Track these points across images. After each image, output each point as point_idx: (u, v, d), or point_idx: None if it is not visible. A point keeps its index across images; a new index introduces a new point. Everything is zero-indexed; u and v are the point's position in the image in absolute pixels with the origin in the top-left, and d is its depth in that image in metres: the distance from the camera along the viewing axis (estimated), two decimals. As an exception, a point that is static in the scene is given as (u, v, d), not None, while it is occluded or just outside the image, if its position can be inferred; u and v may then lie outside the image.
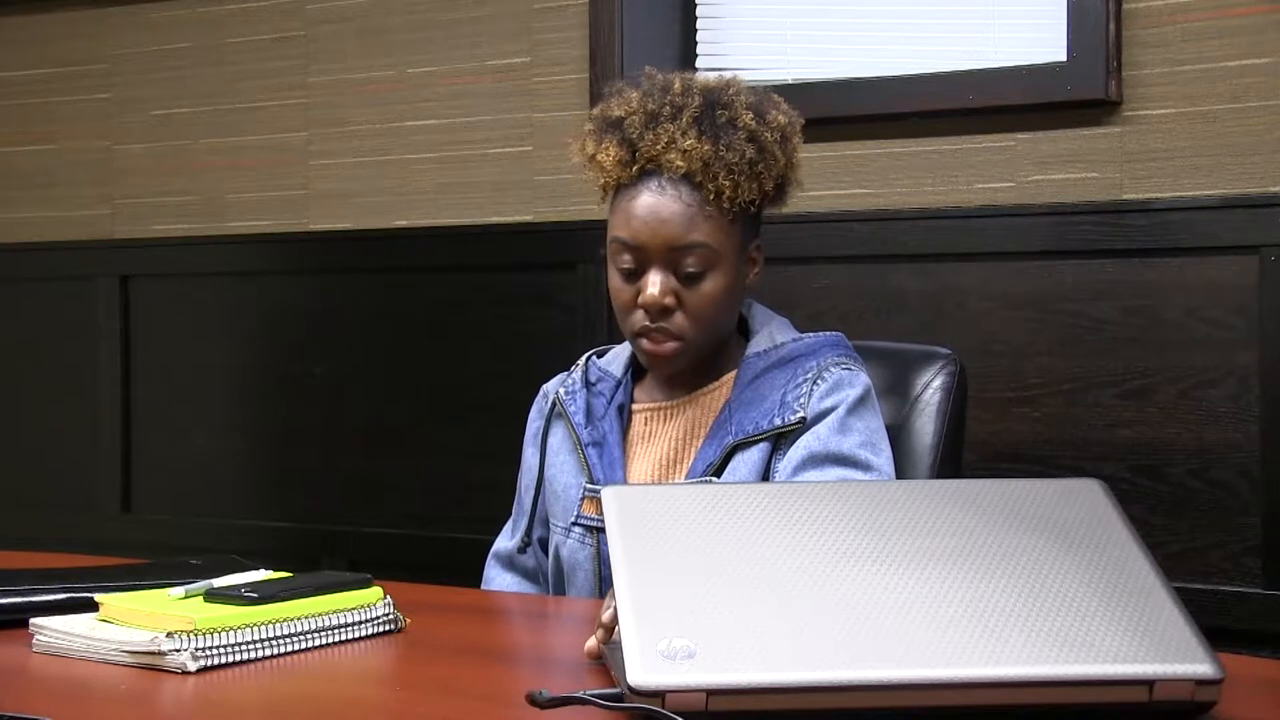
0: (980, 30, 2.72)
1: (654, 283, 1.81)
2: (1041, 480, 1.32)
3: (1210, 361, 2.45)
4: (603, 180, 1.88)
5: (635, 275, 1.84)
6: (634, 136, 1.84)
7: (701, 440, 1.87)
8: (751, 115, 1.86)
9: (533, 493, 1.97)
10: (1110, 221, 2.52)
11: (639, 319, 1.84)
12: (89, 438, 3.50)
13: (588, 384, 1.96)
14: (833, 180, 2.76)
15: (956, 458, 2.02)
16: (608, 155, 1.85)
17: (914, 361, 2.04)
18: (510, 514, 2.08)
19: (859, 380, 1.86)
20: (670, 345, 1.83)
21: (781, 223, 2.75)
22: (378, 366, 3.20)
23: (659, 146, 1.82)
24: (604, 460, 1.89)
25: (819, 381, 1.83)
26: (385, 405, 3.18)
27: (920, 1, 2.78)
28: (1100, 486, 1.30)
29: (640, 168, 1.83)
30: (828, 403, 1.82)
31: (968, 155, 2.65)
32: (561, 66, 3.00)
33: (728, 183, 1.81)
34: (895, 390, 1.98)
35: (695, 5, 2.98)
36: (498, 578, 2.04)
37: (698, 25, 2.98)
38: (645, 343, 1.85)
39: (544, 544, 2.00)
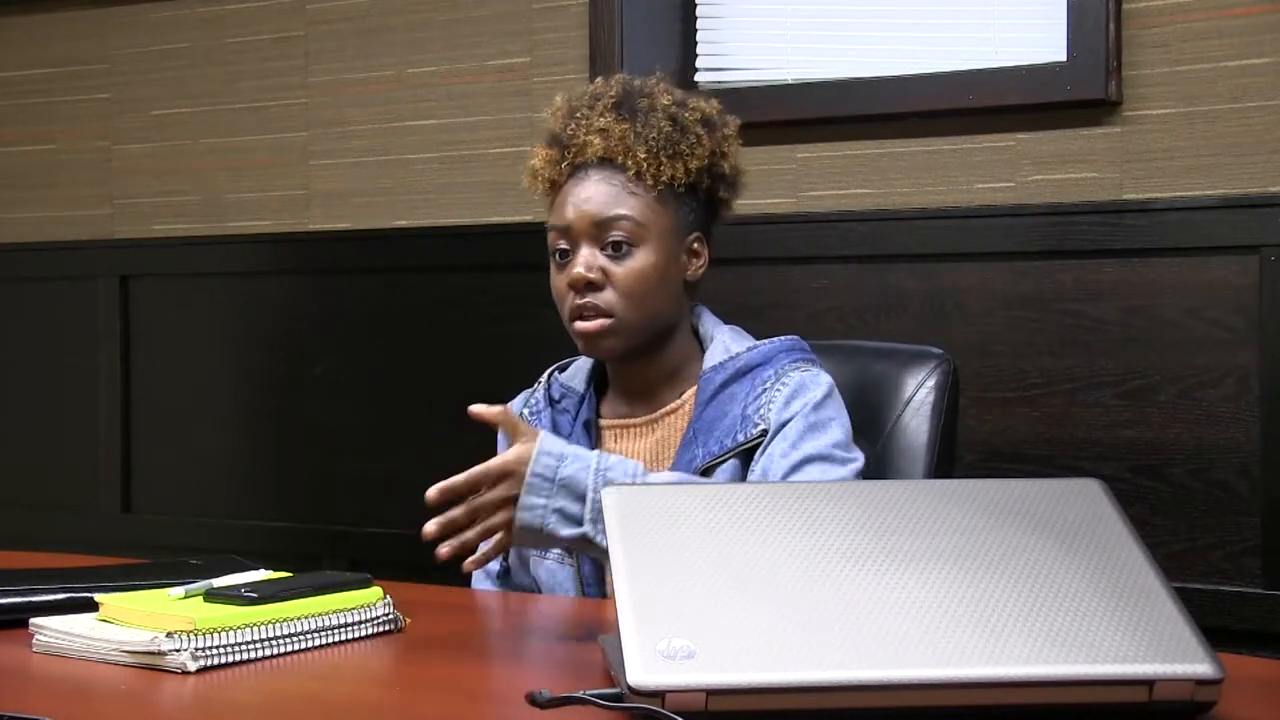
0: (980, 30, 2.72)
1: (581, 260, 1.84)
2: (1041, 480, 1.32)
3: (1210, 361, 2.45)
4: (541, 186, 1.93)
5: (567, 263, 1.86)
6: (558, 130, 1.90)
7: (670, 463, 1.86)
8: (671, 100, 1.89)
9: None
10: (1110, 221, 2.52)
11: (570, 301, 1.85)
12: (89, 438, 3.50)
13: (551, 402, 1.95)
14: (833, 180, 2.76)
15: (950, 457, 2.02)
16: (539, 158, 1.92)
17: (907, 362, 2.04)
18: None
19: (821, 379, 1.84)
20: (599, 322, 1.83)
21: (782, 223, 2.76)
22: (378, 366, 3.20)
23: (580, 134, 1.87)
24: None
25: (779, 388, 1.82)
26: (385, 405, 3.18)
27: (920, 1, 2.78)
28: (1100, 486, 1.30)
29: (569, 162, 1.88)
30: (794, 406, 1.81)
31: (968, 155, 2.65)
32: (561, 66, 3.00)
33: (646, 157, 1.83)
34: (888, 390, 1.98)
35: (695, 5, 2.98)
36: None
37: (698, 25, 2.97)
38: (578, 323, 1.85)
39: (525, 561, 1.99)
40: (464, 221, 3.10)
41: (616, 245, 1.83)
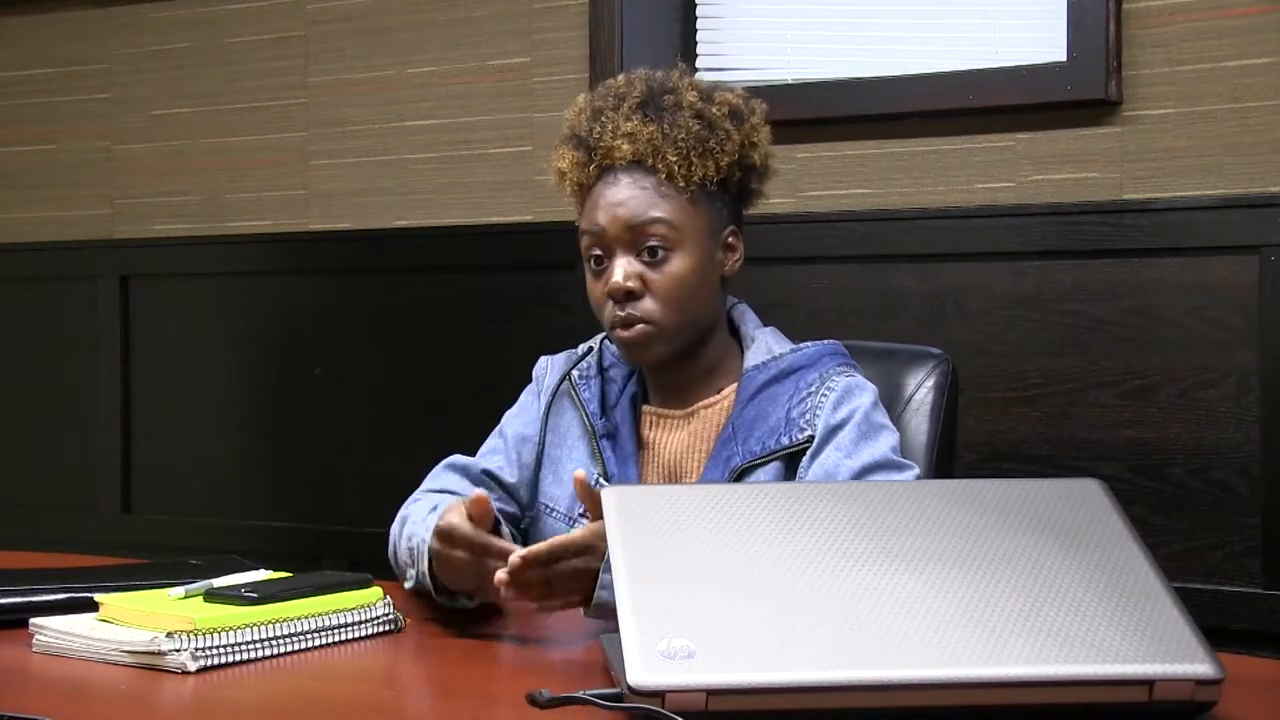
0: (980, 30, 2.72)
1: (618, 268, 1.80)
2: (1041, 480, 1.32)
3: (1210, 361, 2.45)
4: (569, 189, 1.89)
5: (604, 269, 1.83)
6: (584, 134, 1.86)
7: (706, 457, 1.84)
8: (696, 95, 1.85)
9: (532, 450, 1.90)
10: (1110, 221, 2.52)
11: (610, 310, 1.82)
12: (89, 438, 3.50)
13: (602, 369, 1.93)
14: (833, 180, 2.76)
15: (950, 457, 2.02)
16: (565, 160, 1.87)
17: (906, 362, 2.04)
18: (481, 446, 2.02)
19: (867, 386, 1.83)
20: (640, 329, 1.80)
21: (782, 223, 2.76)
22: (378, 366, 3.20)
23: (606, 137, 1.83)
24: (618, 454, 1.86)
25: (825, 393, 1.80)
26: (385, 405, 3.18)
27: (920, 1, 2.78)
28: (1100, 486, 1.30)
29: (597, 165, 1.84)
30: (842, 412, 1.79)
31: (968, 155, 2.65)
32: (561, 66, 3.00)
33: (677, 159, 1.80)
34: (888, 391, 1.98)
35: (695, 5, 2.98)
36: (444, 476, 1.99)
37: (698, 25, 2.98)
38: (620, 332, 1.82)
39: (514, 520, 1.91)
40: (464, 221, 3.10)
41: (653, 251, 1.80)
